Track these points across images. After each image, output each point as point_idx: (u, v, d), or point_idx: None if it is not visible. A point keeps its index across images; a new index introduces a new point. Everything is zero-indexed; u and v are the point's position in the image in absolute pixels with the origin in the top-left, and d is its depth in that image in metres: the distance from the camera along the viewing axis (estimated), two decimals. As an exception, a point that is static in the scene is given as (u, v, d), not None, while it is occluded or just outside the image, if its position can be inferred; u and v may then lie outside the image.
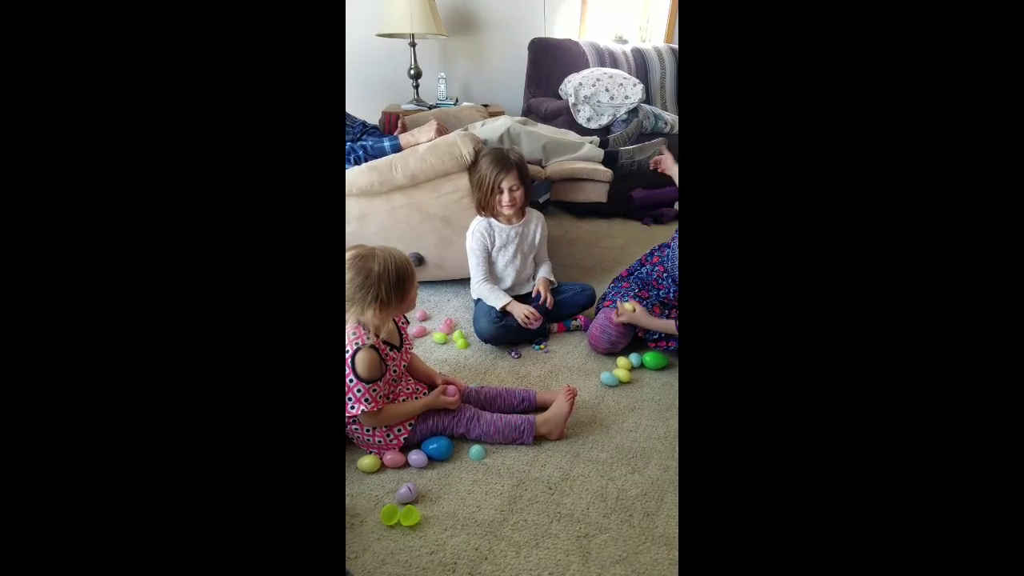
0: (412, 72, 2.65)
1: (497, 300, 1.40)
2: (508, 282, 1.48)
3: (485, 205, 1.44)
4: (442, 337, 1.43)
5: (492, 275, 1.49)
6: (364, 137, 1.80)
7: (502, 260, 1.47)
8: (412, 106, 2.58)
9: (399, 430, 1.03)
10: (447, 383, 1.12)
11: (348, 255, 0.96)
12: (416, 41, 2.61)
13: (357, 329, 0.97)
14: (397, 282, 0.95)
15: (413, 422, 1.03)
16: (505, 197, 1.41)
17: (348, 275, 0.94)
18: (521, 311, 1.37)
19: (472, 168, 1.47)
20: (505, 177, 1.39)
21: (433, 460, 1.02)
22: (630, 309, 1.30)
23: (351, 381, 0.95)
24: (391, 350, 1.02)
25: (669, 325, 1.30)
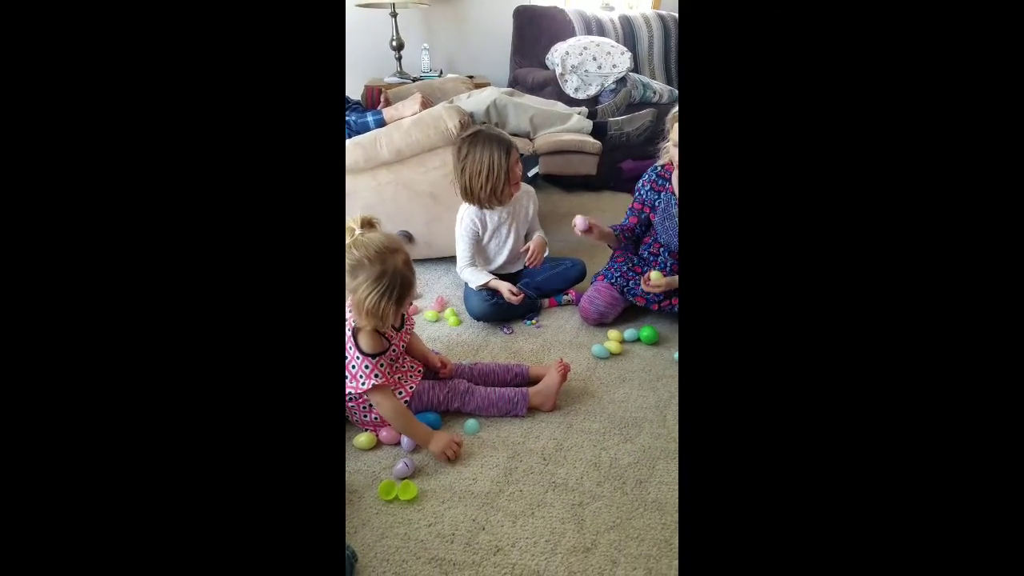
0: (394, 44, 2.56)
1: (479, 280, 1.39)
2: (500, 261, 1.47)
3: (500, 195, 1.32)
4: (434, 315, 1.43)
5: (482, 258, 1.46)
6: (347, 112, 1.75)
7: (494, 244, 1.44)
8: (395, 79, 2.51)
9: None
10: (442, 363, 1.12)
11: (382, 238, 0.91)
12: (397, 11, 2.51)
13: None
14: (383, 294, 0.89)
15: (408, 399, 1.04)
16: (518, 172, 1.33)
17: (370, 251, 0.89)
18: (506, 288, 1.36)
19: (462, 162, 1.32)
20: (512, 151, 1.31)
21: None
22: (655, 277, 1.28)
23: (357, 359, 0.95)
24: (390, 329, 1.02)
25: None
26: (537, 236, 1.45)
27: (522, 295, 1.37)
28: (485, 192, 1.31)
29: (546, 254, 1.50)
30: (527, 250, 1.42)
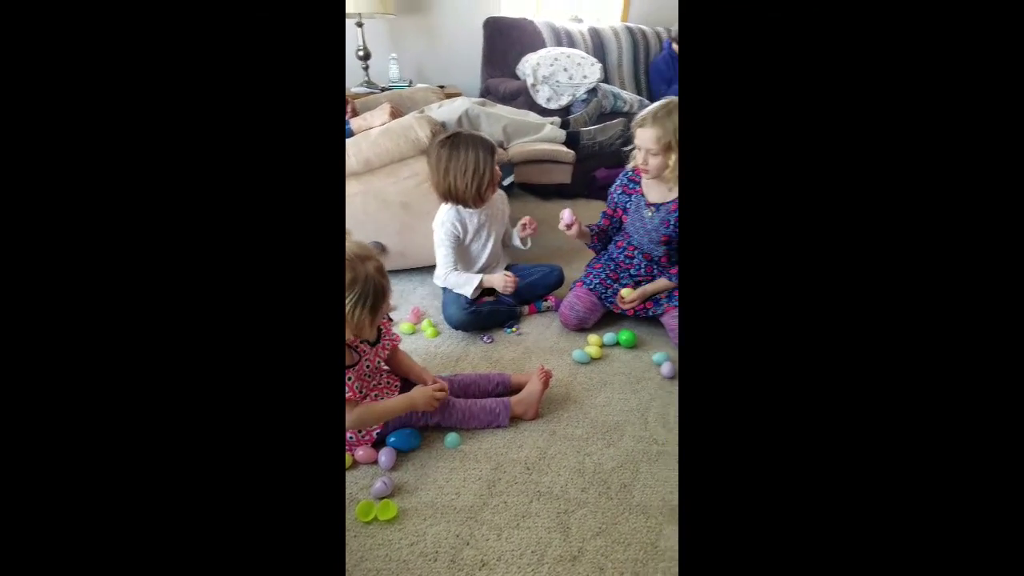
0: (360, 53, 2.54)
1: (470, 283, 1.37)
2: (481, 263, 1.45)
3: (483, 195, 1.33)
4: (410, 327, 1.40)
5: (464, 261, 1.44)
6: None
7: (476, 245, 1.43)
8: (363, 89, 2.48)
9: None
10: (433, 382, 1.06)
11: (352, 246, 0.88)
12: (363, 21, 2.50)
13: None
14: (356, 302, 0.86)
15: (385, 415, 1.00)
16: (499, 172, 1.36)
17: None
18: (499, 279, 1.37)
19: (444, 163, 1.31)
20: (495, 151, 1.34)
21: (401, 452, 0.99)
22: (626, 294, 1.34)
23: None
24: (362, 342, 0.99)
25: (661, 283, 1.35)
26: (523, 222, 1.48)
27: (516, 280, 1.37)
28: (471, 191, 1.31)
29: (528, 246, 1.50)
30: (524, 226, 1.43)
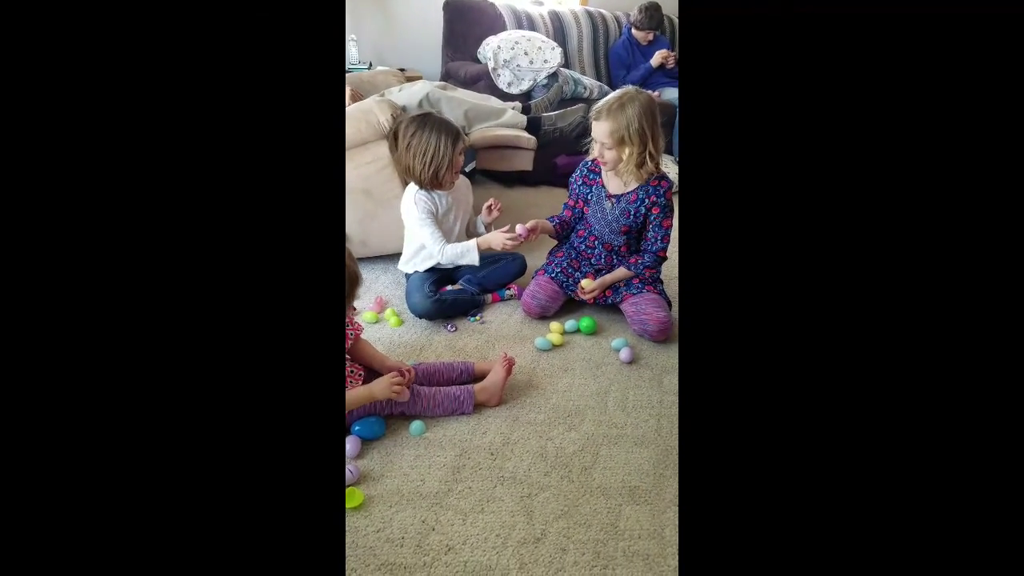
0: (317, 31, 2.43)
1: (470, 251, 1.37)
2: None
3: (441, 180, 1.33)
4: (373, 316, 1.38)
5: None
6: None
7: (444, 228, 1.42)
8: (320, 70, 2.38)
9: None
10: (401, 372, 1.06)
11: None
12: None
13: None
14: None
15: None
16: (460, 161, 1.35)
17: None
18: (497, 238, 1.35)
19: (407, 140, 1.32)
20: (459, 141, 1.33)
21: (366, 440, 0.99)
22: (587, 285, 1.36)
23: None
24: None
25: (620, 272, 1.38)
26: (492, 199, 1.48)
27: (518, 235, 1.34)
28: (427, 173, 1.32)
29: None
30: (490, 207, 1.43)
